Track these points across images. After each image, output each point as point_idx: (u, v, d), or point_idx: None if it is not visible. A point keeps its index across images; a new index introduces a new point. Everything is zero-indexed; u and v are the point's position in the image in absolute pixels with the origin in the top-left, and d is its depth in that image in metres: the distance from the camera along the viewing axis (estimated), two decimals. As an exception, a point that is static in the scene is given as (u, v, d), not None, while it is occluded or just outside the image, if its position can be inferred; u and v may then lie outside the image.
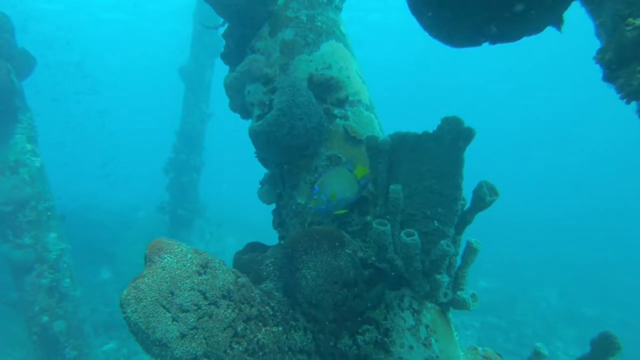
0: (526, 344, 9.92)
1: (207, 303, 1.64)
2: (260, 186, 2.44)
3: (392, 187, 1.84)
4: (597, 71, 1.07)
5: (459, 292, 2.06)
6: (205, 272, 1.69)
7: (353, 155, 2.26)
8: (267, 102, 2.20)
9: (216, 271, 1.71)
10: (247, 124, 2.37)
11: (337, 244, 1.82)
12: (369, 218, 2.09)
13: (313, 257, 1.77)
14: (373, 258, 1.99)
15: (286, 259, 1.90)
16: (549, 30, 1.38)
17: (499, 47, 1.41)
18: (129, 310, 1.57)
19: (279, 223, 2.38)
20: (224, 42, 2.82)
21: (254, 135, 2.14)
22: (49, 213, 5.26)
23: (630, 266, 16.34)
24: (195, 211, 10.98)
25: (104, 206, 15.65)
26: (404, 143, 2.05)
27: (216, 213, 13.91)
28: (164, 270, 1.62)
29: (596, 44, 1.14)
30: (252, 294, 1.77)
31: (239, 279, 1.78)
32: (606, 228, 25.49)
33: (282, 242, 2.13)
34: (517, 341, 10.15)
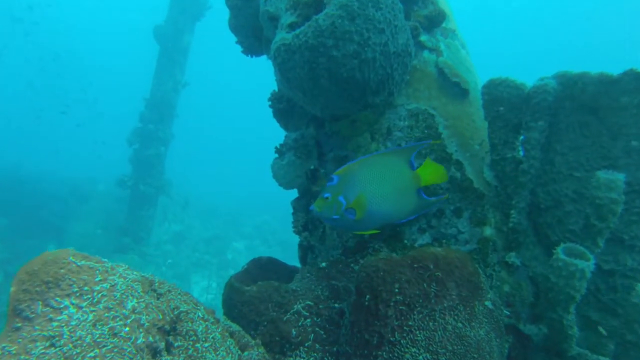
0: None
1: None
2: (276, 156, 1.41)
3: (601, 174, 0.86)
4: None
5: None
6: (170, 351, 0.66)
7: (452, 114, 1.27)
8: (310, 1, 1.18)
9: (197, 344, 0.69)
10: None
11: (472, 291, 0.82)
12: (488, 232, 1.11)
13: (429, 318, 0.76)
14: (507, 312, 1.01)
15: (348, 309, 0.89)
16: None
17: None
18: None
19: (305, 225, 1.35)
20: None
21: (285, 55, 1.11)
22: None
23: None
24: (159, 188, 9.80)
25: (61, 176, 14.14)
26: (570, 95, 1.08)
27: (181, 193, 12.68)
28: (49, 356, 0.59)
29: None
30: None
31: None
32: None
33: (322, 263, 1.12)
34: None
